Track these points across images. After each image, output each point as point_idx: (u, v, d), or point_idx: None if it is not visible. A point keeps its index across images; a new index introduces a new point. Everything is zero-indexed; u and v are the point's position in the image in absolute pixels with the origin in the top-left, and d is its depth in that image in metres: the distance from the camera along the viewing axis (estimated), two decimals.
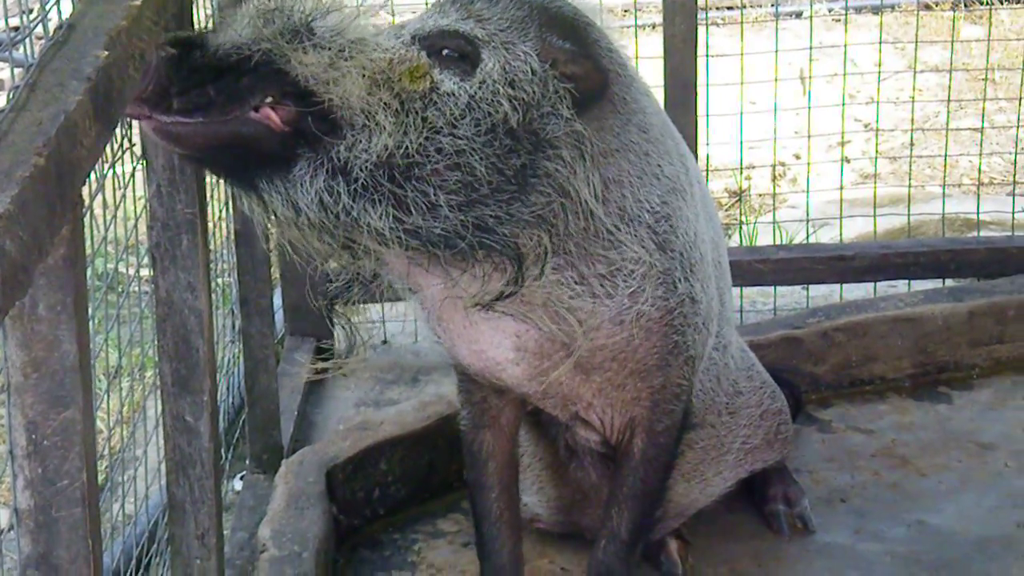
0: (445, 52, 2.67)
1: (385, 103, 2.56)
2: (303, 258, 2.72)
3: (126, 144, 3.01)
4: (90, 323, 2.48)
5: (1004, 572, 3.60)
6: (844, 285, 4.87)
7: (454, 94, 2.63)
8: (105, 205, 3.05)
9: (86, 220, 2.51)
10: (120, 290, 3.64)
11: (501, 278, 2.75)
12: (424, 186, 2.59)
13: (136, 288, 3.81)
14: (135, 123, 2.93)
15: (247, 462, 4.08)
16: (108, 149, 2.84)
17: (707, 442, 3.50)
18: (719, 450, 3.55)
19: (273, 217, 2.62)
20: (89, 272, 2.54)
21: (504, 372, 3.02)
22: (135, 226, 3.31)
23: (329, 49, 2.53)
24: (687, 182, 3.06)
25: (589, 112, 2.78)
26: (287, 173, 2.56)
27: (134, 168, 3.10)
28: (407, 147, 2.57)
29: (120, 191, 3.13)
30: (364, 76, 2.54)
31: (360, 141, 2.55)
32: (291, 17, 2.55)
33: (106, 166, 2.90)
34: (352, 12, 2.62)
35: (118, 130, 2.87)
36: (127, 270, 3.33)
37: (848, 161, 6.10)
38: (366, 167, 2.56)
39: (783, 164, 6.19)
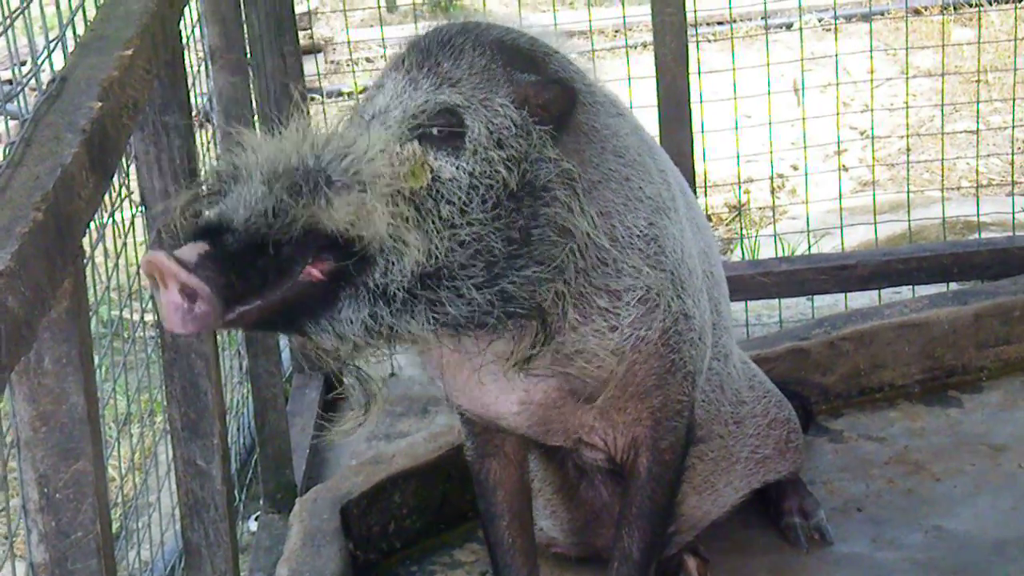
0: (434, 131, 2.68)
1: (405, 218, 2.57)
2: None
3: (124, 192, 3.03)
4: (98, 371, 2.49)
5: (1023, 575, 3.59)
6: (848, 294, 4.87)
7: (455, 179, 2.65)
8: (106, 253, 3.06)
9: (88, 269, 2.52)
10: (126, 336, 3.64)
11: (529, 337, 2.78)
12: (454, 281, 2.63)
13: (142, 334, 3.82)
14: (132, 169, 2.95)
15: (261, 502, 4.08)
16: (107, 197, 2.85)
17: (716, 453, 3.50)
18: (728, 460, 3.55)
19: (319, 348, 2.66)
20: (94, 320, 2.55)
21: (504, 420, 3.05)
22: (137, 272, 3.31)
23: (349, 188, 2.52)
24: (670, 197, 3.08)
25: (567, 146, 2.79)
26: (332, 313, 2.58)
27: (133, 215, 3.11)
28: (434, 253, 2.59)
29: (121, 239, 3.14)
30: (388, 204, 2.55)
31: (392, 263, 2.56)
32: (304, 169, 2.52)
33: (105, 215, 2.92)
34: (349, 131, 2.62)
35: (115, 179, 2.89)
36: (131, 316, 3.34)
37: (846, 170, 6.11)
38: (403, 286, 2.58)
39: (781, 176, 6.19)
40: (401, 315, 2.60)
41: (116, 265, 3.09)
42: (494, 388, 2.95)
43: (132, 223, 3.24)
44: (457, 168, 2.65)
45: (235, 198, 2.50)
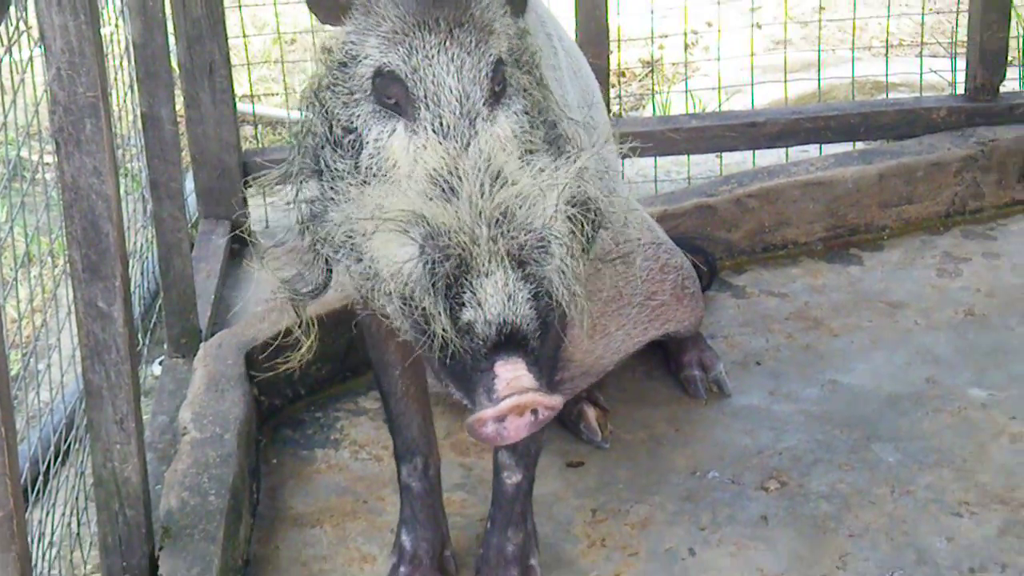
0: (496, 89, 2.67)
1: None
2: None
3: (23, 27, 2.95)
4: None
5: (914, 426, 3.69)
6: (757, 152, 4.89)
7: (523, 126, 2.67)
8: (3, 91, 2.99)
9: None
10: (26, 177, 3.58)
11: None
12: None
13: (43, 175, 3.75)
14: (31, 4, 2.87)
15: (165, 347, 4.06)
16: (4, 32, 2.77)
17: (607, 293, 3.52)
18: (619, 302, 3.58)
19: None
20: None
21: None
22: (36, 111, 3.24)
23: (554, 234, 2.58)
24: (551, 51, 3.05)
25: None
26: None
27: (31, 52, 3.03)
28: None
29: (19, 76, 3.06)
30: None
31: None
32: (529, 242, 2.56)
33: (2, 50, 2.84)
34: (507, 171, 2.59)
35: (13, 12, 2.81)
36: (30, 156, 3.27)
37: (759, 27, 6.09)
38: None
39: (695, 32, 6.16)
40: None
41: (14, 103, 3.02)
42: None
43: (31, 60, 3.16)
44: (517, 115, 2.67)
45: (493, 295, 2.53)
